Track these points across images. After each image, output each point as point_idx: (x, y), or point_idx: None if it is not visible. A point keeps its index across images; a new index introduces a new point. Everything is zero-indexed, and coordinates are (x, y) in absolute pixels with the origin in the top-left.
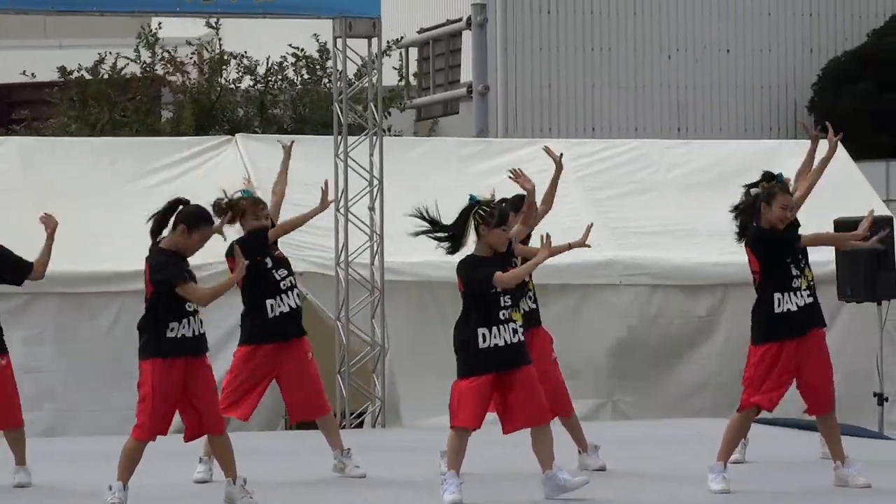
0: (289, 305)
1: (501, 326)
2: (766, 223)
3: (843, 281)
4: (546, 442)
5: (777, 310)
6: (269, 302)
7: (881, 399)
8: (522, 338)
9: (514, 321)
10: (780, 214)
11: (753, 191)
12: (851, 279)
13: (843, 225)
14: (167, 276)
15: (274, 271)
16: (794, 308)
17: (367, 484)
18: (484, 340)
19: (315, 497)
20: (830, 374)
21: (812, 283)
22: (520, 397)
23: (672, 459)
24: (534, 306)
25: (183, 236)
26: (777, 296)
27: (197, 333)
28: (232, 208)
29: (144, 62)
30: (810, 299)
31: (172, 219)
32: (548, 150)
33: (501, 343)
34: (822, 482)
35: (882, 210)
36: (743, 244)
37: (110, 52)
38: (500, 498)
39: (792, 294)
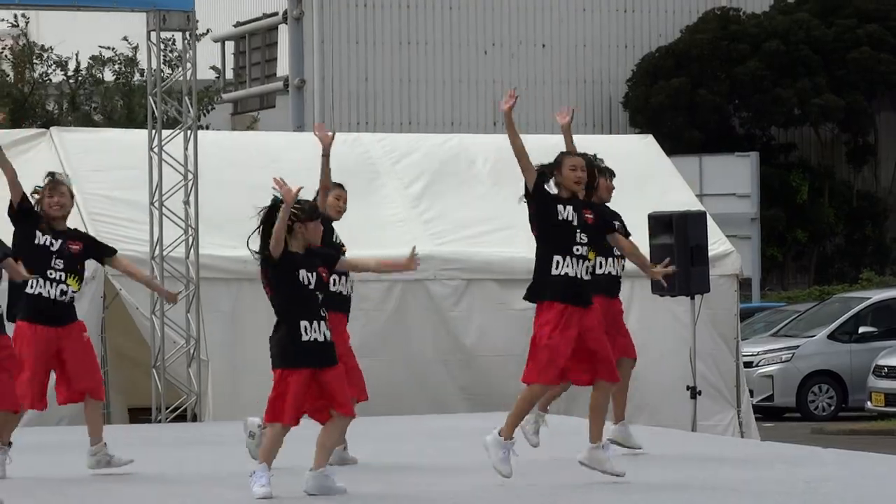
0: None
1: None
2: (563, 192)
3: None
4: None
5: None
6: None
7: (694, 392)
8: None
9: None
10: (571, 176)
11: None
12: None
13: (657, 219)
14: None
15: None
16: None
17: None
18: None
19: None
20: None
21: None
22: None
23: None
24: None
25: None
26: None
27: None
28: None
29: None
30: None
31: None
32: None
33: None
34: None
35: (695, 205)
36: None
37: None
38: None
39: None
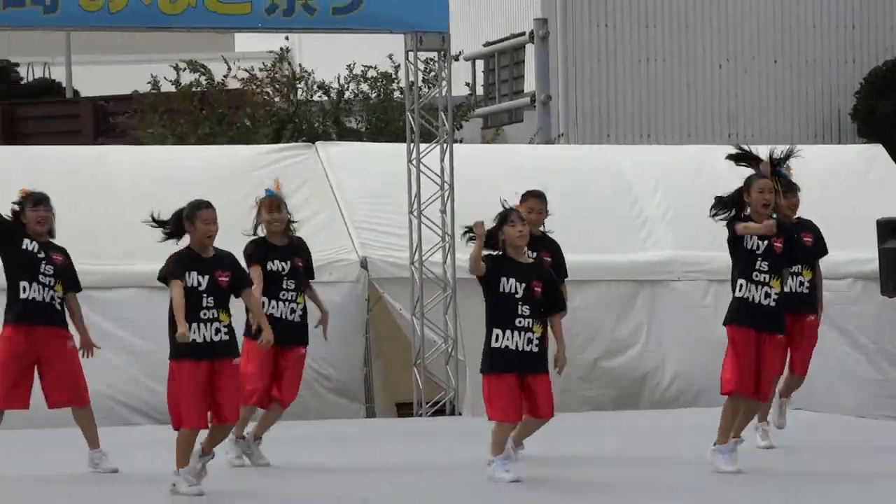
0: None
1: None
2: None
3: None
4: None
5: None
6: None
7: None
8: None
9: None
10: (759, 198)
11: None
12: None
13: (885, 225)
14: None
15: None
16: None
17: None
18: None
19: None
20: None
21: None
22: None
23: None
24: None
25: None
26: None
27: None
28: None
29: (223, 77)
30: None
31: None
32: None
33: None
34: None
35: None
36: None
37: (192, 66)
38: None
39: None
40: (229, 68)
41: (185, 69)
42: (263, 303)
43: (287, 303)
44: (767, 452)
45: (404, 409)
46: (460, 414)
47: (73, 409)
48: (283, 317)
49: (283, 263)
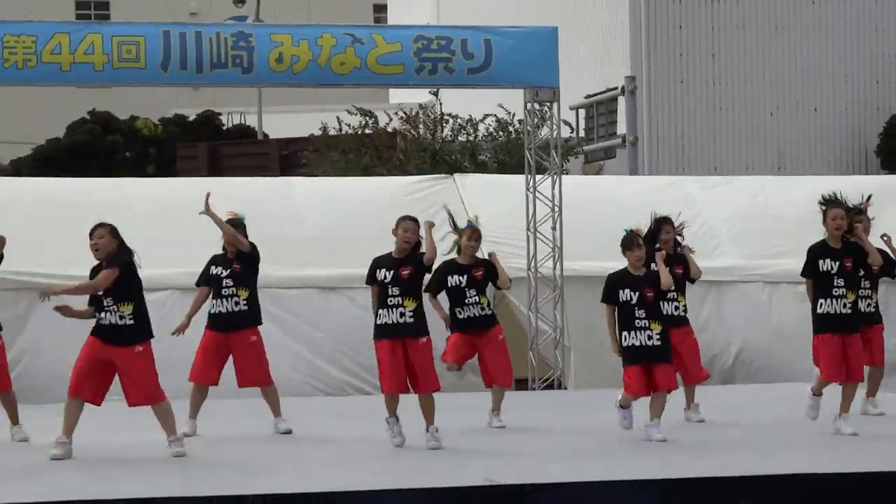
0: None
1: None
2: (830, 241)
3: None
4: None
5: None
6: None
7: None
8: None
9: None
10: (832, 225)
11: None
12: None
13: None
14: None
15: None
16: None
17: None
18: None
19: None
20: None
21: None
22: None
23: None
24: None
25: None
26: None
27: None
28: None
29: (384, 123)
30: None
31: None
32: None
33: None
34: None
35: None
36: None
37: (362, 112)
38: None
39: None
40: (389, 118)
41: (356, 114)
42: (455, 311)
43: (472, 306)
44: None
45: (520, 384)
46: (566, 388)
47: (261, 388)
48: (474, 315)
49: (461, 278)
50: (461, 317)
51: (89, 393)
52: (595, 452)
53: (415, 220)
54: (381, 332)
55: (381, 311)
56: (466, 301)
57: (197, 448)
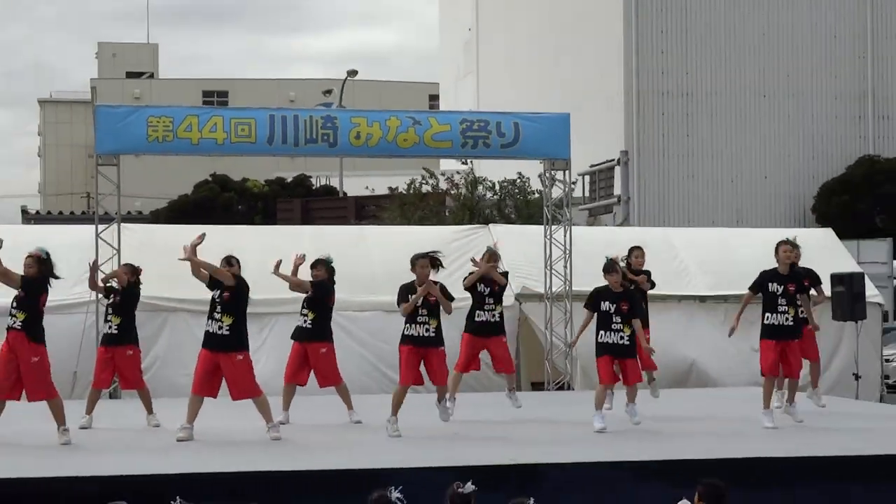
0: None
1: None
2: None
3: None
4: None
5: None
6: None
7: (856, 377)
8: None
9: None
10: (783, 256)
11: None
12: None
13: (836, 277)
14: None
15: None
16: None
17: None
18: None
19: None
20: None
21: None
22: None
23: None
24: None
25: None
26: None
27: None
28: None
29: (434, 185)
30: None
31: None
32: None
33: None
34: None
35: (856, 269)
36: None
37: (415, 178)
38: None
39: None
40: (437, 180)
41: (423, 178)
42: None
43: (489, 312)
44: None
45: (537, 386)
46: (573, 389)
47: (335, 388)
48: (486, 320)
49: (486, 287)
50: (477, 320)
51: (206, 390)
52: (595, 439)
53: (426, 257)
54: (406, 340)
55: (408, 324)
56: (484, 306)
57: (288, 432)
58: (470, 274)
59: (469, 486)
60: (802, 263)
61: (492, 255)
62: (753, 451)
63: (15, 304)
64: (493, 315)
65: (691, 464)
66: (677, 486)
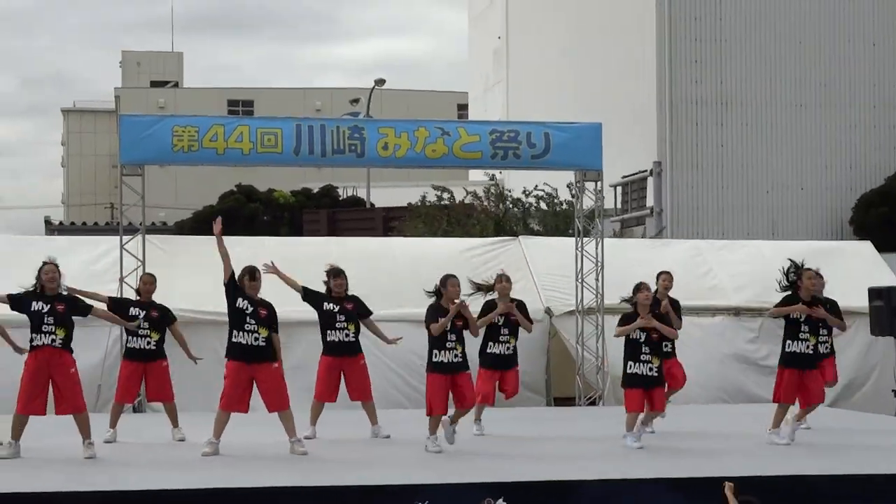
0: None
1: None
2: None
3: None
4: None
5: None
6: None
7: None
8: None
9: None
10: (808, 284)
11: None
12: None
13: (874, 291)
14: None
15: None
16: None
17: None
18: None
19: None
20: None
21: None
22: None
23: None
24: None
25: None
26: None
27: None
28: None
29: (449, 198)
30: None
31: None
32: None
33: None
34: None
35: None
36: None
37: (443, 190)
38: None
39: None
40: (466, 193)
41: (439, 192)
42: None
43: (504, 344)
44: None
45: (566, 402)
46: (604, 404)
47: (362, 403)
48: (500, 353)
49: (501, 317)
50: (489, 352)
51: (236, 405)
52: (628, 455)
53: (455, 276)
54: (436, 368)
55: (436, 350)
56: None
57: (314, 447)
58: (486, 305)
59: (500, 503)
60: (842, 275)
61: (504, 280)
62: (791, 468)
63: (52, 321)
64: (508, 348)
65: (726, 481)
66: (710, 502)
